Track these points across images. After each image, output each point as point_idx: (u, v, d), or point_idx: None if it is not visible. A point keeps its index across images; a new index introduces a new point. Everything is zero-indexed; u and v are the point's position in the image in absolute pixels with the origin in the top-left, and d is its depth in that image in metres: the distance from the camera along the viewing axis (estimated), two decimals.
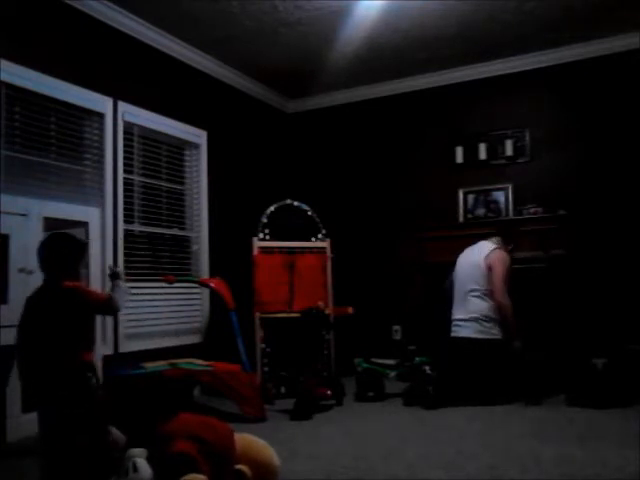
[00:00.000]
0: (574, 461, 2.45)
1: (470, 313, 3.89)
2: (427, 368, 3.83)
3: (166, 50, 4.41)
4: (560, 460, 2.46)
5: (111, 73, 3.97)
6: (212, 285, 4.02)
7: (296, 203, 4.76)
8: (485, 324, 3.84)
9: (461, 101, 5.20)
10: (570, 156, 4.75)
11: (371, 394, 3.99)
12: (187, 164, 4.70)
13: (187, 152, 4.70)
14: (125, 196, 4.02)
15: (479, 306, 3.88)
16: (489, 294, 3.88)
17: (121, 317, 3.88)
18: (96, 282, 3.64)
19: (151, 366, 3.47)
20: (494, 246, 3.99)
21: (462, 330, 3.91)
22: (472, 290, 3.93)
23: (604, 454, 2.52)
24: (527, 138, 4.91)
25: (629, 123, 4.55)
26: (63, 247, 2.28)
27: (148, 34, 4.20)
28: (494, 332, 3.84)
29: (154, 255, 4.30)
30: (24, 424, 3.03)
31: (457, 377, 3.79)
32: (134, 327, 4.02)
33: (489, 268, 3.90)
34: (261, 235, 4.53)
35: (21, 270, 3.09)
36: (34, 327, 2.15)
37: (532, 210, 4.60)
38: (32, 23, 3.46)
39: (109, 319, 3.78)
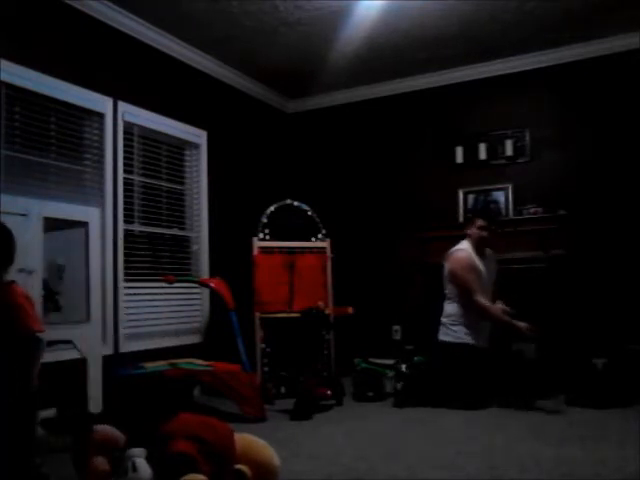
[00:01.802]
0: (574, 461, 2.45)
1: (442, 317, 3.93)
2: (403, 366, 3.84)
3: (166, 50, 4.41)
4: (560, 460, 2.46)
5: (111, 73, 3.97)
6: (212, 285, 4.01)
7: (296, 203, 4.76)
8: (451, 327, 3.83)
9: (461, 101, 5.20)
10: (570, 156, 4.75)
11: (371, 394, 3.99)
12: (187, 164, 4.70)
13: (187, 152, 4.70)
14: (125, 196, 4.02)
15: (446, 310, 3.92)
16: (453, 297, 3.88)
17: (121, 317, 3.89)
18: (96, 283, 3.63)
19: (151, 366, 3.48)
20: (455, 248, 3.93)
21: (439, 333, 3.94)
22: (444, 294, 3.96)
23: (604, 454, 2.52)
24: (527, 138, 4.90)
25: (629, 123, 4.55)
26: None
27: (148, 34, 4.20)
28: (460, 335, 3.78)
29: (154, 255, 4.30)
30: None
31: (436, 377, 3.78)
32: (134, 327, 4.02)
33: (450, 273, 3.86)
34: (261, 235, 4.53)
35: (21, 270, 3.09)
36: None
37: (532, 210, 4.60)
38: (32, 23, 3.46)
39: (110, 318, 3.79)
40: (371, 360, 4.23)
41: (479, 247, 3.90)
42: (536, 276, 4.21)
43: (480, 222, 3.86)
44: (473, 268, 3.79)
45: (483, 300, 3.69)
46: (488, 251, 4.00)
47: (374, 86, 5.49)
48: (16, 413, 1.98)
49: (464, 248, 3.87)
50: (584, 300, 4.25)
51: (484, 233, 3.85)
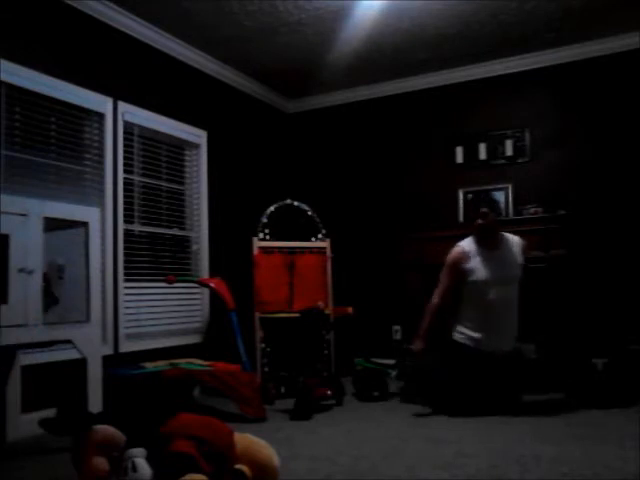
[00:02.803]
0: (574, 461, 2.45)
1: None
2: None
3: (166, 50, 4.41)
4: (560, 460, 2.46)
5: (111, 73, 3.97)
6: (212, 285, 4.02)
7: (296, 203, 4.77)
8: (457, 325, 3.75)
9: (461, 101, 5.21)
10: (570, 156, 4.75)
11: (376, 394, 3.98)
12: (187, 164, 4.70)
13: (187, 152, 4.70)
14: (125, 196, 4.02)
15: None
16: None
17: (121, 317, 3.89)
18: (96, 283, 3.64)
19: (151, 366, 3.48)
20: None
21: None
22: None
23: (604, 454, 2.52)
24: (527, 138, 4.91)
25: (629, 123, 4.56)
26: None
27: (148, 34, 4.20)
28: (461, 334, 3.65)
29: (154, 255, 4.30)
30: (24, 424, 3.03)
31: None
32: (134, 327, 4.02)
33: None
34: (261, 235, 4.53)
35: (21, 270, 3.09)
36: None
37: (532, 210, 4.60)
38: (32, 23, 3.46)
39: (110, 318, 3.79)
40: (373, 360, 4.23)
41: (483, 238, 3.64)
42: (536, 276, 4.21)
43: (476, 214, 3.70)
44: (453, 267, 3.65)
45: (435, 298, 3.66)
46: (507, 239, 3.68)
47: (374, 86, 5.50)
48: None
49: (460, 244, 3.71)
50: (584, 300, 4.25)
51: (478, 221, 3.62)
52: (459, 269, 3.62)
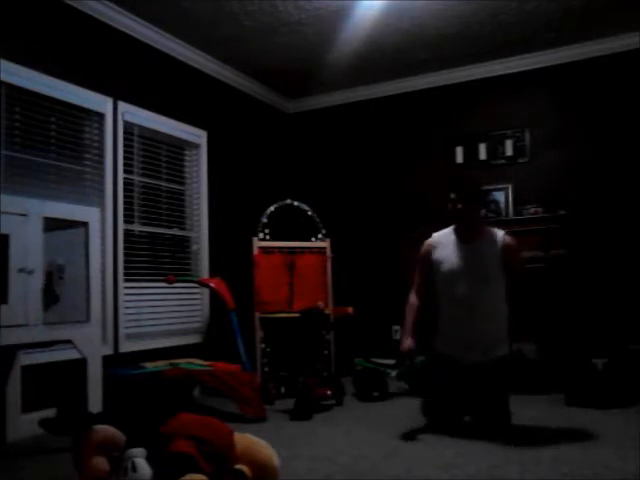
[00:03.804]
0: (574, 461, 2.45)
1: None
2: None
3: (166, 50, 4.41)
4: (560, 460, 2.46)
5: (111, 73, 3.97)
6: (212, 285, 4.02)
7: (296, 203, 4.77)
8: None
9: (461, 101, 5.21)
10: (570, 156, 4.75)
11: (376, 394, 3.98)
12: (187, 164, 4.70)
13: (187, 152, 4.70)
14: (125, 196, 4.02)
15: None
16: None
17: (121, 317, 3.89)
18: (96, 283, 3.64)
19: (151, 366, 3.48)
20: None
21: None
22: None
23: (604, 454, 2.52)
24: (527, 138, 4.91)
25: (629, 123, 4.55)
26: None
27: (148, 34, 4.20)
28: (437, 341, 3.27)
29: (154, 255, 4.30)
30: (24, 424, 3.03)
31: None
32: (134, 327, 4.02)
33: None
34: (261, 235, 4.53)
35: (21, 270, 3.09)
36: None
37: (532, 210, 4.60)
38: (32, 23, 3.46)
39: (110, 318, 3.79)
40: (373, 360, 4.23)
41: (460, 228, 3.16)
42: (536, 276, 4.21)
43: (450, 195, 3.10)
44: (422, 259, 3.25)
45: (412, 296, 3.26)
46: (489, 232, 3.14)
47: (374, 86, 5.50)
48: None
49: (434, 234, 3.28)
50: (584, 300, 4.25)
51: (451, 206, 3.08)
52: (427, 261, 3.22)
